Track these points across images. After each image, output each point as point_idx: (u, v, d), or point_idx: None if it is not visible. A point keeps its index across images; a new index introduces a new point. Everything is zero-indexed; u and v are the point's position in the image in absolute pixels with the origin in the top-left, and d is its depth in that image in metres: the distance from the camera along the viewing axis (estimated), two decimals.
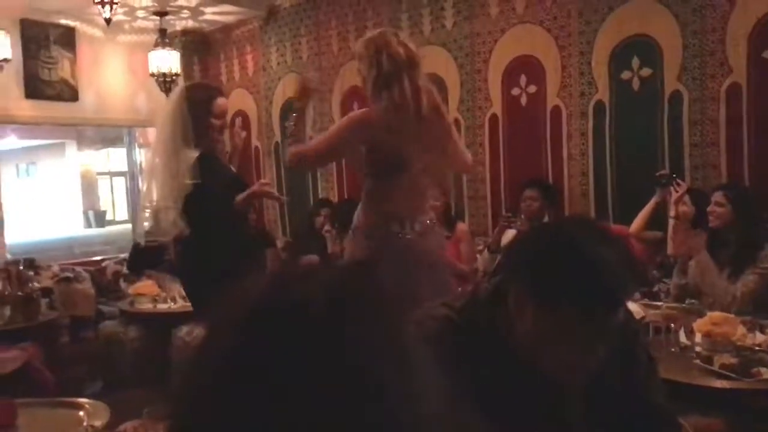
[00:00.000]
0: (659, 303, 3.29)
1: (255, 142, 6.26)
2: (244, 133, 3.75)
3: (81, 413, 2.44)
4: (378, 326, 0.57)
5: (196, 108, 3.22)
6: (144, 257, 5.34)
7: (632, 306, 3.48)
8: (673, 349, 2.57)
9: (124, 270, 5.57)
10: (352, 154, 2.82)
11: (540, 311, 1.22)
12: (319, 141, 2.79)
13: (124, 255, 5.86)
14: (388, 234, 2.62)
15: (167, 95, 5.84)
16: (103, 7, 3.86)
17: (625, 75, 4.23)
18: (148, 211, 3.41)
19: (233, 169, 3.50)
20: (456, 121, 5.00)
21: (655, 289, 3.62)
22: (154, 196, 3.30)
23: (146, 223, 3.48)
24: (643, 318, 3.47)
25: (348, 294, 0.58)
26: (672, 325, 2.67)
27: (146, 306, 4.61)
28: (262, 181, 3.45)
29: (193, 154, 3.17)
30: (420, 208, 2.70)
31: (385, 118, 2.58)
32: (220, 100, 3.33)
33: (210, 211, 3.20)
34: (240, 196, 3.20)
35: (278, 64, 6.04)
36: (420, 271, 2.60)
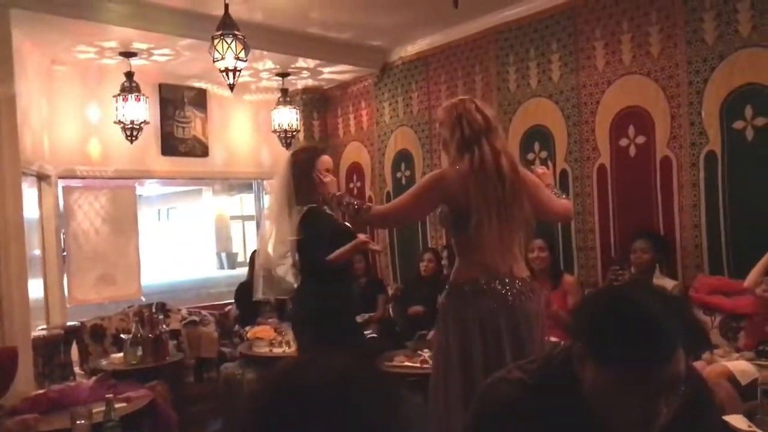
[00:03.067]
0: None
1: (368, 191, 6.50)
2: (329, 177, 3.53)
3: None
4: (377, 412, 0.69)
5: (302, 167, 3.48)
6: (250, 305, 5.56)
7: (743, 365, 3.37)
8: None
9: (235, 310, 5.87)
10: (432, 211, 2.89)
11: (598, 368, 1.27)
12: (399, 200, 2.86)
13: None
14: (486, 289, 2.64)
15: (287, 149, 6.24)
16: (227, 75, 4.22)
17: (738, 124, 4.10)
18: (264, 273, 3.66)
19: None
20: (563, 171, 5.02)
21: None
22: (269, 259, 3.59)
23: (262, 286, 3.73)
24: (756, 380, 3.34)
25: (352, 383, 0.70)
26: None
27: (263, 350, 4.85)
28: (362, 238, 3.60)
29: (301, 211, 3.42)
30: (509, 261, 2.70)
31: (462, 176, 2.67)
32: (324, 157, 3.58)
33: (311, 261, 3.44)
34: (338, 252, 3.42)
35: (390, 117, 6.29)
36: (520, 326, 2.64)
